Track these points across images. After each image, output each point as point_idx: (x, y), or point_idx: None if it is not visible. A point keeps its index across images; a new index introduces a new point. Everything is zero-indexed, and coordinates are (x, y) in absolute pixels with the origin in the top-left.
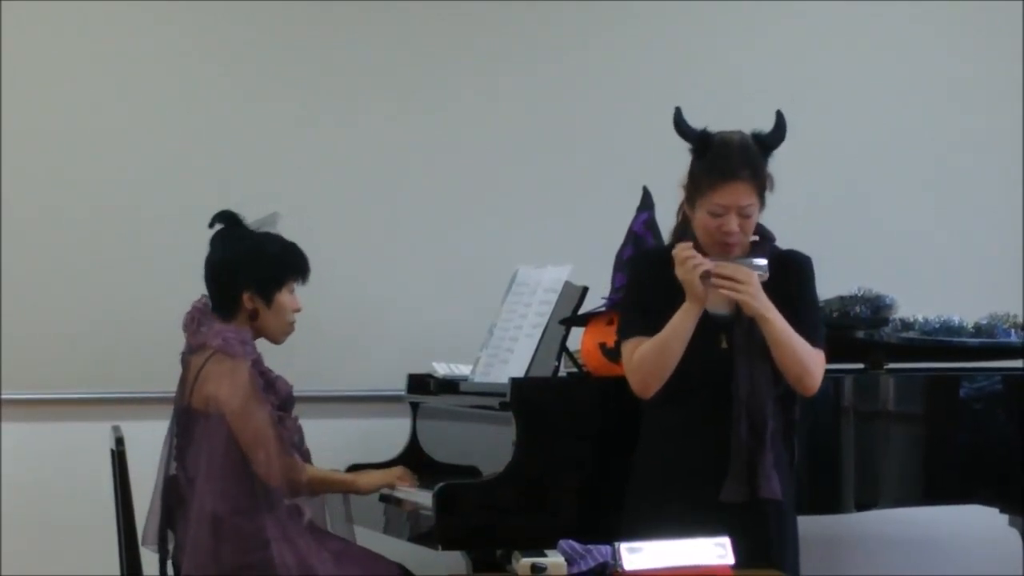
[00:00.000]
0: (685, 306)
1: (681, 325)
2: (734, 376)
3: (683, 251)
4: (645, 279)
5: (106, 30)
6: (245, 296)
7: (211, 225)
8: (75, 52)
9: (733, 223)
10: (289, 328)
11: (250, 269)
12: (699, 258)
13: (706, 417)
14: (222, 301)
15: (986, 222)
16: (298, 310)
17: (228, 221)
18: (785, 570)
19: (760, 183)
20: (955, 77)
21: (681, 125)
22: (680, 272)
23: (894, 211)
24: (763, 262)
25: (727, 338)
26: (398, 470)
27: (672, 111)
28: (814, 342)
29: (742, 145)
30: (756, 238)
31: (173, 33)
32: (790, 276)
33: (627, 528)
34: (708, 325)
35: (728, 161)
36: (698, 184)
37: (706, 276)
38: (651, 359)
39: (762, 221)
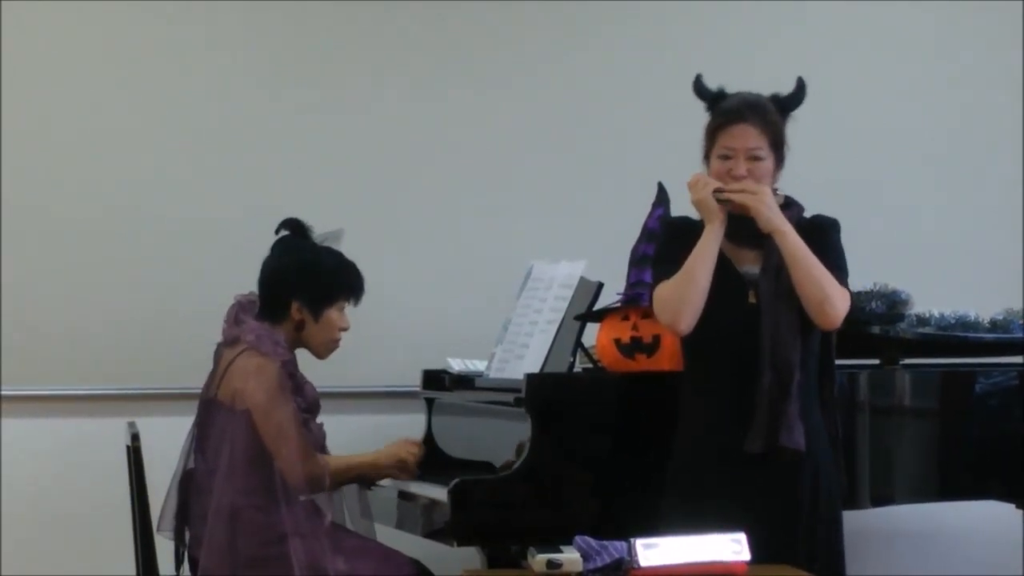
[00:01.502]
0: (705, 231)
1: (703, 248)
2: (760, 326)
3: (693, 175)
4: (676, 236)
5: (113, 29)
6: (294, 306)
7: (277, 231)
8: (98, 48)
9: (741, 167)
10: (333, 345)
11: (303, 281)
12: (710, 178)
13: (739, 373)
14: (271, 306)
15: (991, 218)
16: (345, 329)
17: (293, 229)
18: (819, 563)
19: (771, 132)
20: (963, 70)
21: (700, 86)
22: (693, 195)
23: (902, 205)
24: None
25: (755, 293)
26: (412, 441)
27: (683, 106)
28: (838, 280)
29: (751, 95)
30: (781, 198)
31: (177, 31)
32: (815, 236)
33: (668, 500)
34: (737, 282)
35: (735, 106)
36: (709, 134)
37: (720, 193)
38: (676, 287)
39: None
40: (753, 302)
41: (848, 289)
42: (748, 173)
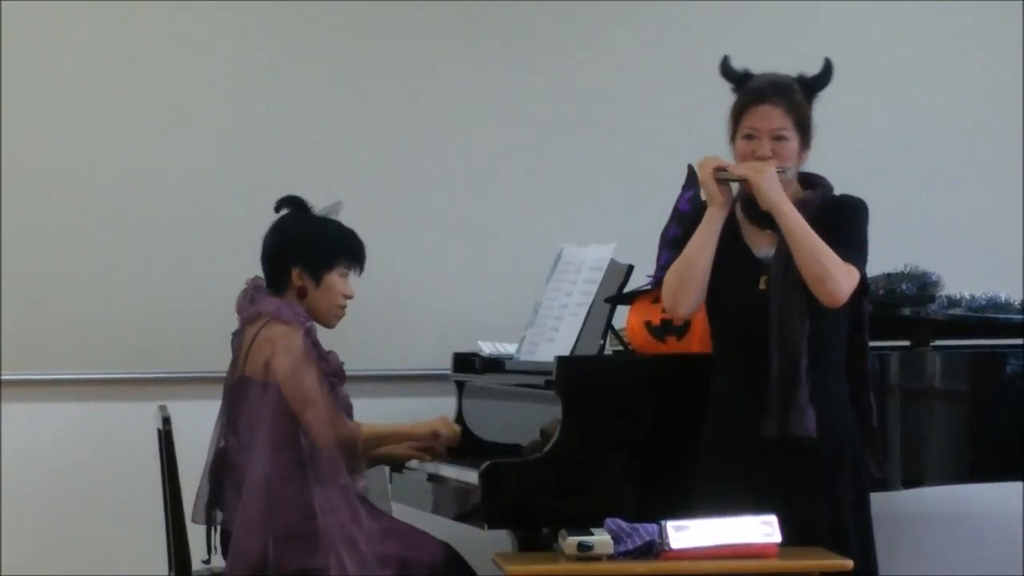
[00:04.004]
0: (706, 214)
1: (702, 234)
2: (768, 311)
3: (706, 156)
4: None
5: (124, 19)
6: (294, 273)
7: (277, 210)
8: (108, 39)
9: (766, 147)
10: (339, 312)
11: (302, 247)
12: (718, 159)
13: (750, 358)
14: (273, 277)
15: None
16: (349, 296)
17: (293, 206)
18: (845, 544)
19: (796, 113)
20: (991, 53)
21: (726, 68)
22: (699, 175)
23: (912, 193)
24: (790, 169)
25: (767, 279)
26: (446, 422)
27: (712, 89)
28: (845, 256)
29: (776, 76)
30: (809, 191)
31: (188, 20)
32: (834, 213)
33: (698, 487)
34: (750, 267)
35: (759, 86)
36: (734, 115)
37: (722, 173)
38: (676, 272)
39: None
40: (763, 289)
41: (858, 267)
42: (773, 153)
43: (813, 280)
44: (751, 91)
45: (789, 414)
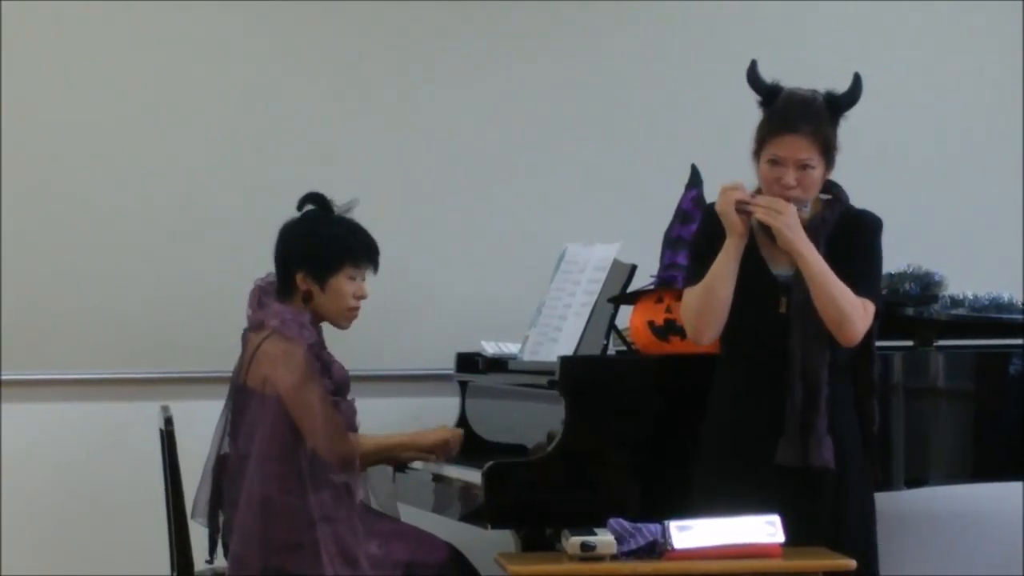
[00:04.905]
0: (726, 244)
1: (722, 264)
2: (790, 338)
3: (727, 183)
4: (714, 232)
5: (133, 19)
6: (298, 277)
7: (300, 207)
8: (117, 38)
9: (790, 176)
10: (349, 314)
11: (305, 250)
12: (739, 190)
13: (765, 381)
14: (281, 281)
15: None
16: (361, 298)
17: (316, 203)
18: (847, 545)
19: (821, 140)
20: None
21: (753, 77)
22: (718, 204)
23: (914, 193)
24: (808, 205)
25: (787, 301)
26: (454, 431)
27: (716, 90)
28: (860, 292)
29: (806, 100)
30: (828, 196)
31: (195, 20)
32: (852, 234)
33: (695, 494)
34: (769, 287)
35: (788, 113)
36: (760, 135)
37: (744, 206)
38: (696, 301)
39: None
40: (783, 312)
41: (874, 298)
42: (797, 182)
43: (832, 323)
44: (778, 117)
45: (808, 443)
